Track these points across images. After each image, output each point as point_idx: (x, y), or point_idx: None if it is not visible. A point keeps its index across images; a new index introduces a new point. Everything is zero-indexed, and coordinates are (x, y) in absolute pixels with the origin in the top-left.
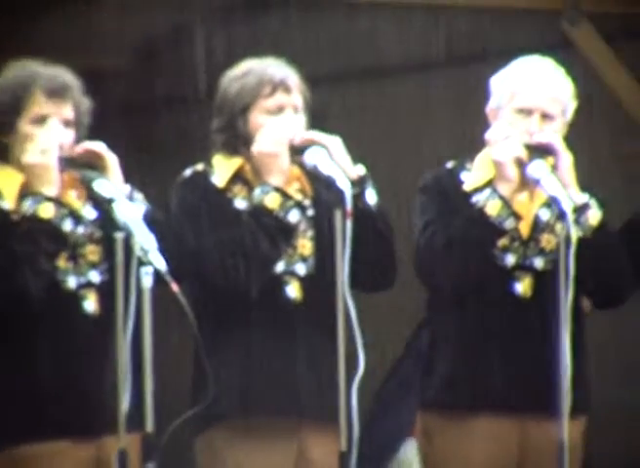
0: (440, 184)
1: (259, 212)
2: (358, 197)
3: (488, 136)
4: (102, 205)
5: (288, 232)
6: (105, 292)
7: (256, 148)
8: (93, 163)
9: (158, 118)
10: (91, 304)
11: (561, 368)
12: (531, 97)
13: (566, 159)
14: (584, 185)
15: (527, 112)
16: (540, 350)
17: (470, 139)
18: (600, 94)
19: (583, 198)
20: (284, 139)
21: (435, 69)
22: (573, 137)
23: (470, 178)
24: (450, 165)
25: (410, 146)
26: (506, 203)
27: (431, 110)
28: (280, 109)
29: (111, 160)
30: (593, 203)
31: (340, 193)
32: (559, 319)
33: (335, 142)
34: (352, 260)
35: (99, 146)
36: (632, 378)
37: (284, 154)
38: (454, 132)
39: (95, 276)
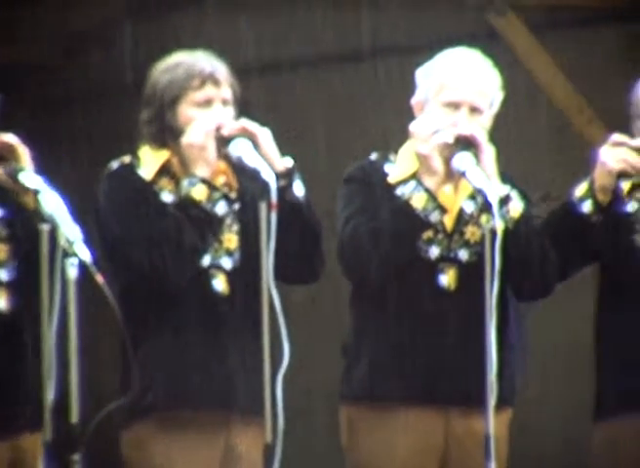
0: (364, 176)
1: (185, 203)
2: (285, 189)
3: (412, 128)
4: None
5: (215, 224)
6: (15, 290)
7: (184, 140)
8: (4, 155)
9: (85, 110)
10: (1, 303)
11: (487, 360)
12: (458, 91)
13: (489, 151)
14: (507, 175)
15: (455, 106)
16: (465, 342)
17: (396, 131)
18: (527, 84)
19: (505, 190)
20: (212, 132)
21: (362, 61)
22: (502, 128)
23: (395, 171)
24: (374, 157)
25: (338, 137)
26: (432, 195)
27: (358, 102)
28: (209, 102)
29: (23, 151)
30: (515, 195)
31: (264, 185)
32: (485, 311)
33: (263, 134)
34: (279, 253)
35: (10, 138)
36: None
37: (211, 146)
38: (380, 123)
39: (3, 274)
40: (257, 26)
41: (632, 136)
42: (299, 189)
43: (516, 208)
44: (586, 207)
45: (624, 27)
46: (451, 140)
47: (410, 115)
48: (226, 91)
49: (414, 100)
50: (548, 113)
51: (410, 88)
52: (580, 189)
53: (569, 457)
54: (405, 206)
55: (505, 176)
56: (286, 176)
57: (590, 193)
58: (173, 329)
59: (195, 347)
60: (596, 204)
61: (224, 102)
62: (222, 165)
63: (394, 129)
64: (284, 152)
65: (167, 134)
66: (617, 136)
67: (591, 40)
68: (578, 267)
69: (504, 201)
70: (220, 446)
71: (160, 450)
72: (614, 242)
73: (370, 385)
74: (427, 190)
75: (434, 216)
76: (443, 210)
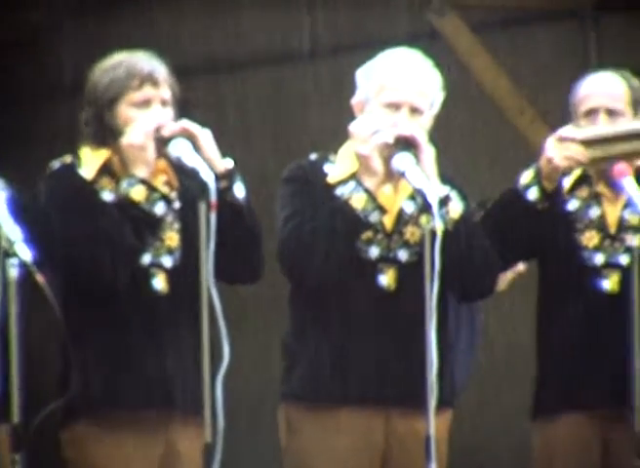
0: (304, 176)
1: (124, 204)
2: (226, 190)
3: (352, 128)
4: None
5: (153, 224)
6: None
7: (123, 141)
8: None
9: (26, 110)
10: None
11: (427, 360)
12: (399, 92)
13: (428, 152)
14: (447, 176)
15: (395, 106)
16: (405, 342)
17: (336, 131)
18: (467, 84)
19: (445, 191)
20: (151, 132)
21: (303, 61)
22: (443, 129)
23: (334, 171)
24: (313, 157)
25: (277, 138)
26: (371, 196)
27: (298, 102)
28: (147, 102)
29: None
30: (454, 196)
31: (203, 185)
32: (425, 311)
33: (203, 135)
34: (219, 253)
35: None
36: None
37: (151, 147)
38: (320, 123)
39: None
40: (198, 26)
41: None
42: (239, 190)
43: (456, 208)
44: (532, 194)
45: (564, 28)
46: (391, 141)
47: (350, 115)
48: (165, 91)
49: (354, 101)
50: (489, 113)
51: (350, 88)
52: (526, 176)
53: (509, 457)
54: (344, 206)
55: (445, 177)
56: (226, 177)
57: (537, 180)
58: (112, 328)
59: (134, 346)
60: (542, 191)
61: (163, 103)
62: (163, 164)
63: (334, 129)
64: (224, 153)
65: (107, 134)
66: (564, 131)
67: (532, 40)
68: (520, 256)
69: (444, 201)
70: (160, 445)
71: (99, 450)
72: (553, 240)
73: (309, 385)
74: (367, 190)
75: (374, 217)
76: (382, 210)
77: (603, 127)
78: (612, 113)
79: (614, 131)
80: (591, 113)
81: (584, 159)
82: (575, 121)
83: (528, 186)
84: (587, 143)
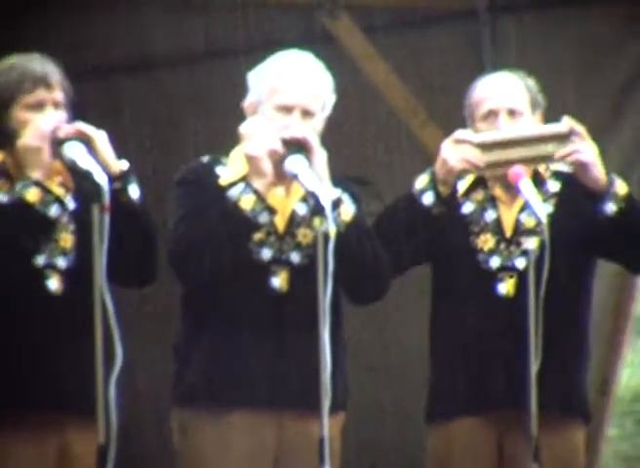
0: (196, 178)
1: (19, 206)
2: (120, 192)
3: (243, 130)
4: None
5: (47, 226)
6: None
7: (19, 143)
8: None
9: None
10: None
11: (321, 364)
12: (291, 95)
13: (321, 154)
14: (339, 178)
15: (287, 109)
16: (298, 345)
17: (230, 134)
18: (359, 87)
19: (336, 193)
20: (46, 135)
21: (196, 63)
22: (335, 131)
23: (226, 173)
24: (205, 159)
25: (173, 140)
26: (260, 197)
27: (192, 105)
28: (40, 105)
29: None
30: (346, 198)
31: (97, 187)
32: (318, 314)
33: (98, 137)
34: (113, 255)
35: None
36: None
37: (46, 149)
38: (213, 125)
39: None
40: (92, 29)
41: None
42: (134, 191)
43: (348, 211)
44: (427, 198)
45: (459, 29)
46: (282, 143)
47: (243, 117)
48: (59, 94)
49: (246, 103)
50: (382, 116)
51: (243, 90)
52: (422, 181)
53: (403, 459)
54: (233, 207)
55: (337, 180)
56: (121, 178)
57: (432, 184)
58: (6, 329)
59: (28, 347)
60: (437, 196)
61: (57, 105)
62: (58, 165)
63: (227, 131)
64: (119, 155)
65: (1, 136)
66: (460, 133)
67: (426, 42)
68: (412, 262)
69: (336, 204)
70: (54, 446)
71: None
72: (448, 243)
73: (201, 388)
74: (255, 192)
75: (263, 218)
76: (272, 211)
77: (499, 131)
78: (513, 114)
79: (510, 135)
80: (491, 115)
81: (480, 163)
82: (472, 123)
83: (423, 191)
84: (484, 147)
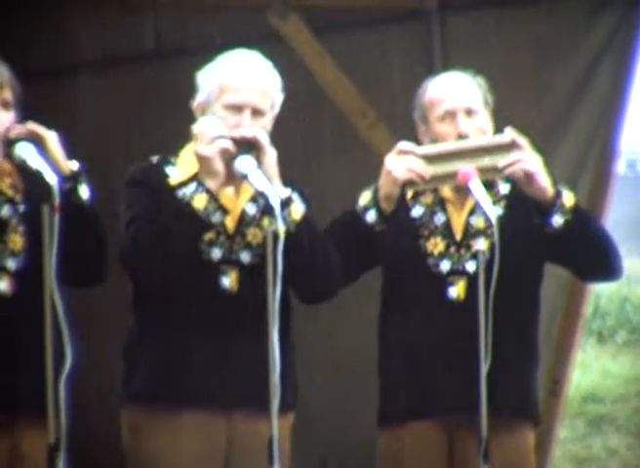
0: (146, 178)
1: None
2: (71, 192)
3: (194, 130)
4: None
5: (0, 227)
6: None
7: None
8: None
9: None
10: None
11: (270, 363)
12: (240, 94)
13: (271, 154)
14: (288, 178)
15: (237, 108)
16: (248, 345)
17: (179, 133)
18: (309, 86)
19: (286, 192)
20: None
21: (147, 62)
22: (284, 131)
23: (176, 173)
24: (155, 159)
25: (120, 141)
26: (213, 196)
27: (143, 104)
28: None
29: None
30: (296, 197)
31: (47, 187)
32: (268, 314)
33: (49, 137)
34: (64, 255)
35: None
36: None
37: None
38: (164, 125)
39: None
40: (41, 28)
41: (417, 140)
42: (84, 192)
43: (298, 210)
44: (370, 216)
45: (408, 29)
46: (233, 143)
47: (192, 117)
48: (7, 93)
49: (195, 103)
50: (331, 116)
51: (193, 90)
52: (364, 198)
53: (354, 459)
54: (185, 207)
55: (286, 179)
56: (72, 179)
57: (374, 202)
58: None
59: None
60: (380, 213)
61: (5, 105)
62: (8, 166)
63: (178, 131)
64: (69, 156)
65: None
66: (403, 144)
67: (376, 42)
68: (360, 273)
69: (286, 203)
70: (5, 447)
71: None
72: (398, 247)
73: (151, 387)
74: (208, 191)
75: (216, 217)
76: (224, 211)
77: (443, 143)
78: (470, 113)
79: (454, 147)
80: (448, 115)
81: (426, 174)
82: (425, 125)
83: (366, 208)
84: (428, 159)
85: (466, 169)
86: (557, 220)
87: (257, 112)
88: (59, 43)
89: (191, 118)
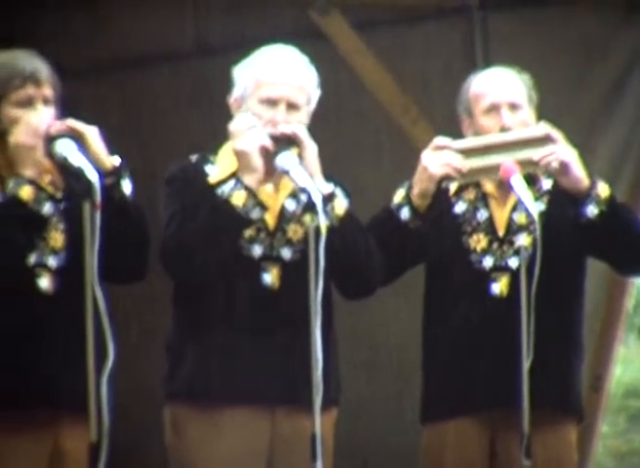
0: (185, 176)
1: (12, 204)
2: (113, 187)
3: (231, 126)
4: None
5: (40, 224)
6: None
7: (11, 141)
8: None
9: None
10: None
11: (313, 360)
12: (276, 87)
13: (312, 148)
14: (330, 173)
15: (272, 102)
16: (290, 341)
17: (219, 131)
18: (350, 83)
19: (329, 188)
20: (39, 131)
21: (187, 59)
22: (326, 127)
23: (215, 170)
24: (194, 158)
25: (162, 138)
26: (251, 193)
27: (182, 101)
28: (30, 101)
29: None
30: (339, 192)
31: (88, 184)
32: (310, 310)
33: (90, 133)
34: (105, 252)
35: None
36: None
37: (39, 146)
38: (204, 123)
39: None
40: (83, 24)
41: (461, 135)
42: (127, 187)
43: (341, 204)
44: (404, 213)
45: (450, 25)
46: (272, 138)
47: (230, 115)
48: (48, 90)
49: (231, 98)
50: (373, 113)
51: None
52: (398, 195)
53: (395, 456)
54: (224, 204)
55: (327, 174)
56: (113, 174)
57: (407, 199)
58: None
59: (20, 346)
60: (414, 210)
61: (46, 101)
62: (48, 163)
63: (216, 129)
64: (112, 151)
65: None
66: (439, 140)
67: (417, 39)
68: (400, 270)
69: (329, 198)
70: (48, 445)
71: None
72: (441, 244)
73: (194, 385)
74: (247, 188)
75: (255, 214)
76: (263, 207)
77: (479, 137)
78: (514, 107)
79: (490, 141)
80: (493, 109)
81: (462, 168)
82: (469, 119)
83: (400, 206)
84: (464, 153)
85: (508, 164)
86: (592, 210)
87: (292, 106)
88: (98, 40)
89: (229, 116)
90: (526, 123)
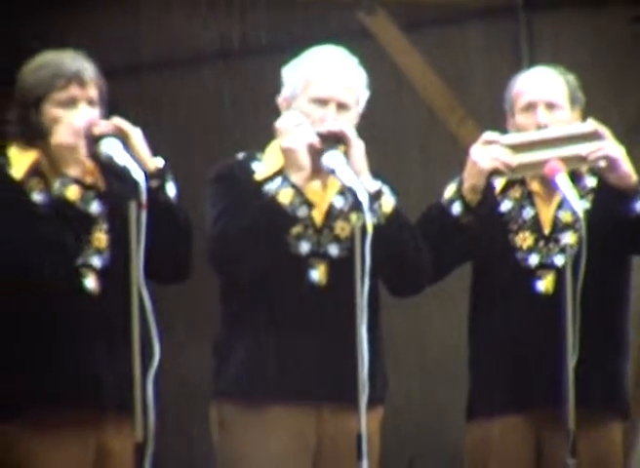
0: (231, 174)
1: (60, 204)
2: (157, 189)
3: (279, 124)
4: None
5: (89, 224)
6: None
7: (53, 141)
8: None
9: None
10: None
11: (359, 357)
12: (326, 87)
13: (359, 147)
14: (385, 173)
15: (322, 102)
16: (336, 338)
17: (266, 129)
18: (397, 82)
19: (376, 185)
20: (81, 131)
21: (232, 59)
22: (372, 126)
23: (262, 168)
24: (241, 156)
25: (209, 137)
26: (298, 191)
27: (230, 100)
28: (73, 102)
29: None
30: (386, 190)
31: (134, 184)
32: (356, 307)
33: (134, 133)
34: (150, 252)
35: None
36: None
37: (82, 146)
38: (249, 122)
39: None
40: (124, 26)
41: (507, 132)
42: (170, 189)
43: (388, 202)
44: (456, 208)
45: (495, 25)
46: (319, 136)
47: (278, 115)
48: (93, 90)
49: (280, 98)
50: (419, 112)
51: (279, 87)
52: (449, 190)
53: (441, 455)
54: (271, 202)
55: (376, 172)
56: (158, 176)
57: (458, 194)
58: (45, 328)
59: (65, 345)
60: (465, 205)
61: (90, 102)
62: (90, 165)
63: (262, 128)
64: (156, 152)
65: (34, 133)
66: (488, 135)
67: (462, 38)
68: (450, 267)
69: (377, 195)
70: (92, 445)
71: (30, 451)
72: (488, 243)
73: (241, 383)
74: (294, 186)
75: (302, 211)
76: (310, 205)
77: (527, 133)
78: (551, 107)
79: (539, 136)
80: (530, 107)
81: (512, 162)
82: (511, 117)
83: (451, 201)
84: (513, 148)
85: (553, 163)
86: None
87: (342, 107)
88: (143, 41)
89: (277, 115)
90: (564, 122)
